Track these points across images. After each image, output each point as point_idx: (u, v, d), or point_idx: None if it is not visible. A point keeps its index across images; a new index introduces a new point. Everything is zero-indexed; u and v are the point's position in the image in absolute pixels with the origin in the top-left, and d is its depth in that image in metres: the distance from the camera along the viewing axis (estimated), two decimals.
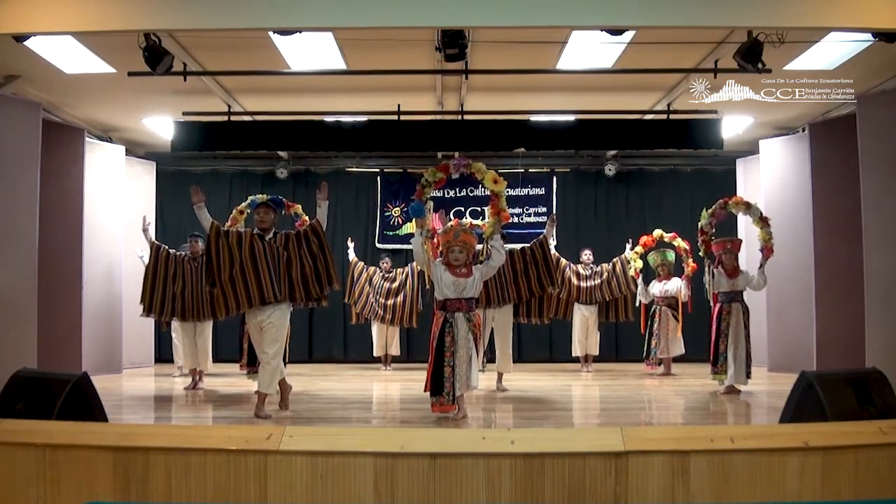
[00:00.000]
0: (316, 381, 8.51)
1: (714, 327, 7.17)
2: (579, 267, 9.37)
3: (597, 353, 9.57)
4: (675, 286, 8.94)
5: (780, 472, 3.40)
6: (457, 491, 3.35)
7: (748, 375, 7.00)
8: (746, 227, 9.51)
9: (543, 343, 10.62)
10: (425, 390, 5.46)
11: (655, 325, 9.02)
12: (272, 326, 5.62)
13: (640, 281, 9.17)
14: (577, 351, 9.49)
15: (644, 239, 9.16)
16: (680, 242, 9.08)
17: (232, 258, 5.57)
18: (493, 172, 5.70)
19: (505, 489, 3.35)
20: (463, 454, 3.40)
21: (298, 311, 8.78)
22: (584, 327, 9.37)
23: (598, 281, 9.31)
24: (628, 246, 9.36)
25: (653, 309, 9.10)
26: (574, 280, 9.23)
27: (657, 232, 9.15)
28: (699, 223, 7.30)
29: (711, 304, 7.37)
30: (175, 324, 7.92)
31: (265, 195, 6.34)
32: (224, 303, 5.60)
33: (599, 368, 9.55)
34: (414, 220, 5.40)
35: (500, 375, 7.50)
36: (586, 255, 9.48)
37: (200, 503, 3.36)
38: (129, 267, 9.30)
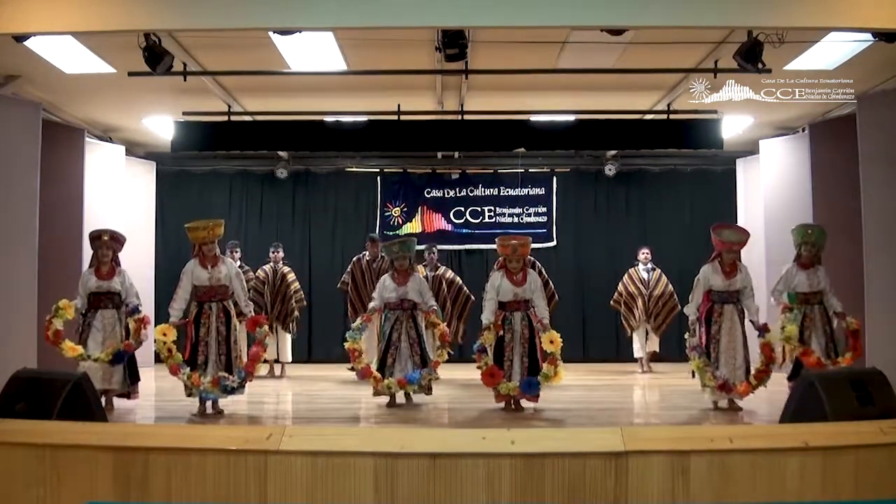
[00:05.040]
0: (316, 381, 8.51)
1: (703, 330, 6.32)
2: (638, 270, 9.10)
3: (657, 349, 9.23)
4: (823, 279, 6.65)
5: (780, 472, 3.40)
6: (457, 491, 3.34)
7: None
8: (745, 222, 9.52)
9: None
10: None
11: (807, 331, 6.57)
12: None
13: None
14: (637, 352, 9.21)
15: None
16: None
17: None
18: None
19: (505, 489, 3.35)
20: (463, 454, 3.40)
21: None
22: (644, 329, 9.13)
23: (657, 291, 8.99)
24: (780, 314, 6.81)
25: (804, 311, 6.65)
26: (633, 290, 9.03)
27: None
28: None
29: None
30: None
31: None
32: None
33: (660, 370, 9.17)
34: None
35: None
36: (644, 254, 9.14)
37: (200, 503, 3.36)
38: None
